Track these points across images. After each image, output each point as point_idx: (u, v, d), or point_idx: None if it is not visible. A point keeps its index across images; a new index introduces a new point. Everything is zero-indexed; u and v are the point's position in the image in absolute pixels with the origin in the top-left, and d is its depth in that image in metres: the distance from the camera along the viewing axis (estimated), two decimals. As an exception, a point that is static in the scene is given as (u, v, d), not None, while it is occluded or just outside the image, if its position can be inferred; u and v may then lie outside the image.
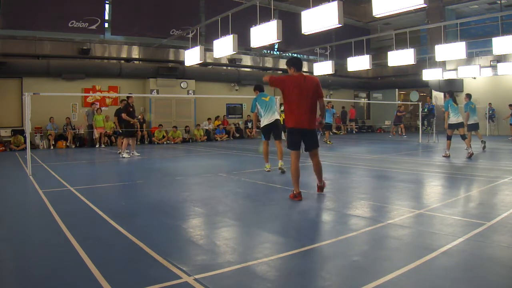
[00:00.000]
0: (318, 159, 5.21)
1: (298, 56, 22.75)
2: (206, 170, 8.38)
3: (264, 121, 7.60)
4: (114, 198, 5.78)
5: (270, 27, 9.47)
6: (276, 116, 7.65)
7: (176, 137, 16.70)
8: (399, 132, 19.36)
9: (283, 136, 7.44)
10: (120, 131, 11.48)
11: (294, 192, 5.05)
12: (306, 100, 4.91)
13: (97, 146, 14.80)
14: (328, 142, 14.35)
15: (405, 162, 9.09)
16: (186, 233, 3.81)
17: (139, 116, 15.34)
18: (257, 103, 7.65)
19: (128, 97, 11.37)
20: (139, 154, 11.24)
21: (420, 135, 15.02)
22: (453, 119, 9.67)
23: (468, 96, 10.59)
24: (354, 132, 23.09)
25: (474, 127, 10.54)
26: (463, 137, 9.72)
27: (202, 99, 17.98)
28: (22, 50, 14.68)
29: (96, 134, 14.81)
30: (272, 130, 7.66)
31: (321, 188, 5.44)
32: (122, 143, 11.30)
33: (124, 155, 10.77)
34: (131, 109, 11.08)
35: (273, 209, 4.77)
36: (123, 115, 10.93)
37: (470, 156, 9.30)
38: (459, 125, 9.69)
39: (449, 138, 9.75)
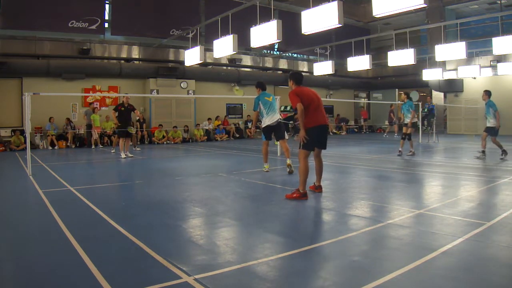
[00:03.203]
0: (321, 159, 5.53)
1: (298, 56, 22.78)
2: (206, 170, 8.38)
3: (266, 122, 7.48)
4: (114, 198, 5.79)
5: (270, 27, 9.46)
6: (278, 116, 7.59)
7: (176, 137, 16.70)
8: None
9: (286, 136, 7.41)
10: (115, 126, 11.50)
11: (302, 191, 5.08)
12: (321, 106, 5.39)
13: (93, 147, 14.65)
14: None
15: (405, 162, 9.09)
16: (186, 233, 3.81)
17: (139, 116, 15.28)
18: (260, 102, 7.48)
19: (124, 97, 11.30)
20: (132, 155, 11.04)
21: (420, 135, 15.00)
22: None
23: None
24: (355, 131, 23.14)
25: None
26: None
27: (202, 99, 17.98)
28: (22, 50, 14.67)
29: (96, 135, 14.77)
30: (274, 131, 7.59)
31: (320, 187, 5.51)
32: (118, 143, 11.32)
33: (121, 155, 10.73)
34: (122, 109, 10.80)
35: (273, 209, 4.77)
36: (112, 113, 10.94)
37: None
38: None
39: (404, 137, 10.49)
